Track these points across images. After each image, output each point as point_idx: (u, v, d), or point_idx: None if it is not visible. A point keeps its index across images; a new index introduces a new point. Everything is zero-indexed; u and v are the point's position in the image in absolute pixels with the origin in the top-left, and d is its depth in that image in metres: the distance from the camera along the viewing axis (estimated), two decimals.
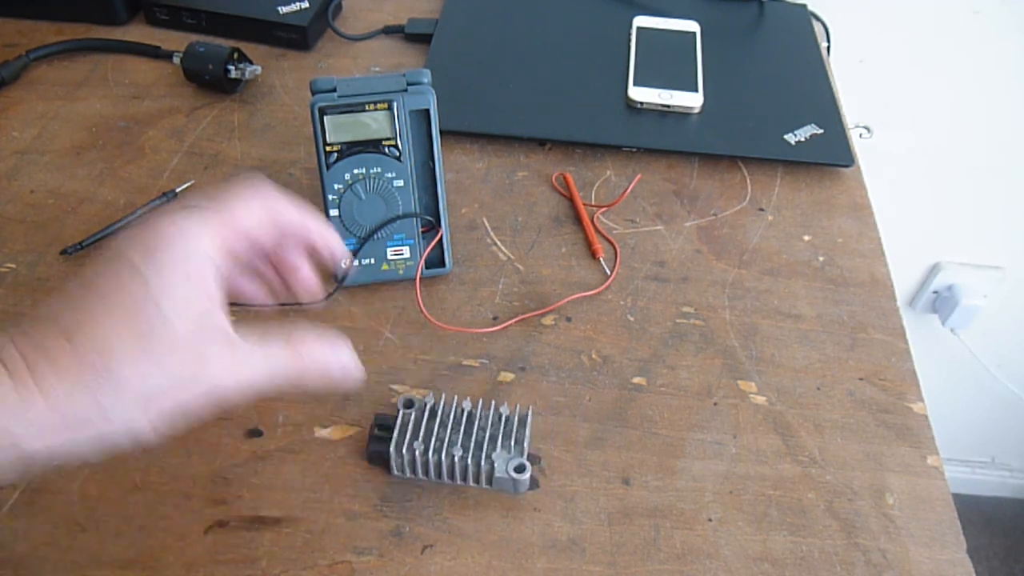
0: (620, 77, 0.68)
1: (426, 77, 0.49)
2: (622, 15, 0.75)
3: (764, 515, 0.43)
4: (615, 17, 0.75)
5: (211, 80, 0.66)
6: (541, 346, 0.50)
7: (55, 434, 0.29)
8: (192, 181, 0.59)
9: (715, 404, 0.48)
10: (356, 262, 0.51)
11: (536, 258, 0.56)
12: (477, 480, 0.43)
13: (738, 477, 0.45)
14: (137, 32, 0.73)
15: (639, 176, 0.61)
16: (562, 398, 0.48)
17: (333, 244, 0.40)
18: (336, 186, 0.50)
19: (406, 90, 0.48)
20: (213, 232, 0.33)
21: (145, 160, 0.61)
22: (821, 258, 0.57)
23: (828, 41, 0.82)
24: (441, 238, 0.52)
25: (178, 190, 0.58)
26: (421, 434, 0.43)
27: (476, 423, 0.43)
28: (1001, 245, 1.12)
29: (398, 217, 0.51)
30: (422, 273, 0.52)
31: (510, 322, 0.51)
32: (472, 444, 0.43)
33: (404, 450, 0.42)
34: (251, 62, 0.67)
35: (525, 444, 0.43)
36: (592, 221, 0.58)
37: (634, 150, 0.64)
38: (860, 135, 0.99)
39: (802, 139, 0.64)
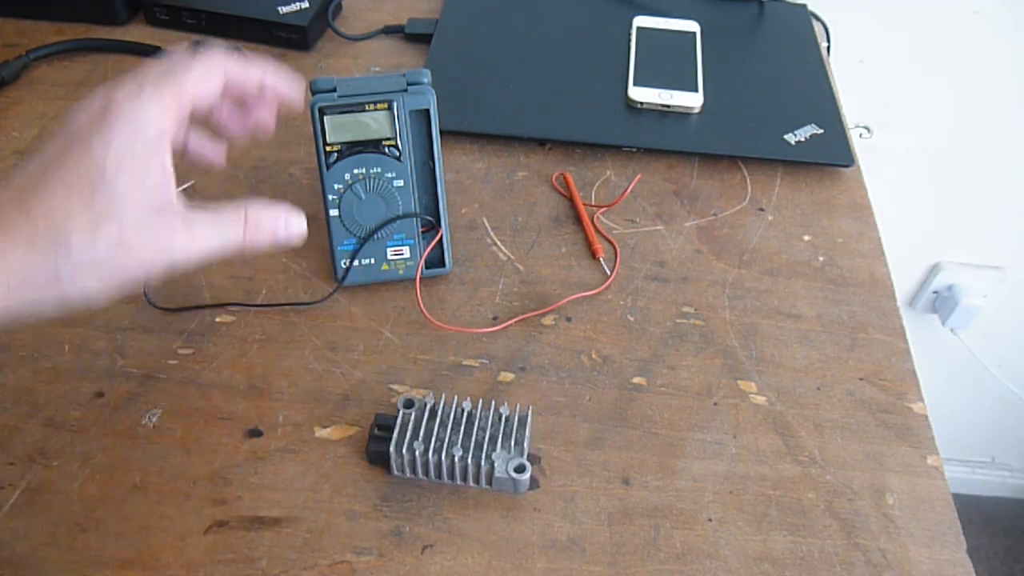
0: (620, 77, 0.68)
1: (426, 77, 0.49)
2: (622, 15, 0.75)
3: (764, 515, 0.43)
4: (615, 17, 0.75)
5: None
6: (541, 346, 0.50)
7: (12, 293, 0.32)
8: (192, 182, 0.59)
9: (715, 404, 0.48)
10: (356, 262, 0.51)
11: (536, 258, 0.56)
12: (477, 480, 0.43)
13: (738, 477, 0.45)
14: (137, 32, 0.73)
15: (639, 176, 0.61)
16: (562, 398, 0.48)
17: (284, 82, 0.41)
18: (336, 186, 0.50)
19: (406, 90, 0.48)
20: (166, 104, 0.35)
21: None
22: (821, 258, 0.57)
23: (828, 41, 0.82)
24: (441, 238, 0.52)
25: (178, 190, 0.57)
26: (421, 434, 0.43)
27: (476, 423, 0.43)
28: (1001, 245, 1.12)
29: (398, 217, 0.51)
30: (422, 273, 0.52)
31: (510, 322, 0.51)
32: (472, 444, 0.43)
33: (404, 450, 0.42)
34: None
35: (525, 444, 0.43)
36: (592, 221, 0.58)
37: (634, 150, 0.64)
38: (860, 135, 0.99)
39: (802, 139, 0.64)
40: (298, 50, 0.72)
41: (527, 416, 0.44)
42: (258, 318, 0.51)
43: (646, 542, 0.42)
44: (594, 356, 0.50)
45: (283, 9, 0.72)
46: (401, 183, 0.50)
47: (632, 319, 0.52)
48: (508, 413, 0.44)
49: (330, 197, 0.50)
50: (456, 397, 0.45)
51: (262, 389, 0.48)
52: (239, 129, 0.43)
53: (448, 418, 0.44)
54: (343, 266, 0.51)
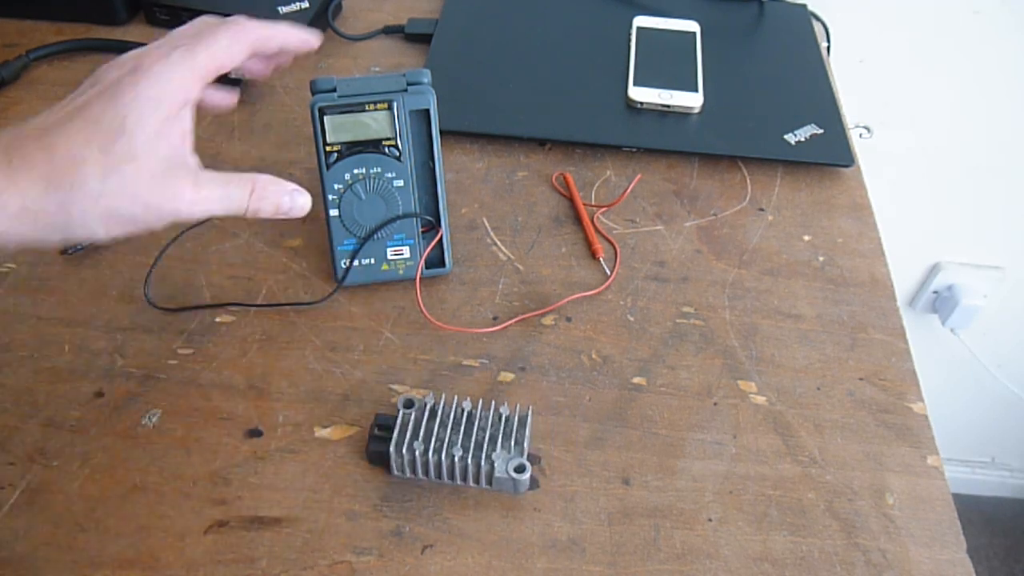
0: (620, 77, 0.68)
1: (426, 77, 0.49)
2: (622, 15, 0.75)
3: (764, 515, 0.43)
4: (615, 17, 0.75)
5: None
6: (541, 346, 0.50)
7: (24, 224, 0.33)
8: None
9: (715, 404, 0.48)
10: (356, 262, 0.51)
11: (536, 258, 0.56)
12: (477, 480, 0.43)
13: (738, 477, 0.45)
14: (137, 32, 0.73)
15: (639, 176, 0.61)
16: (562, 398, 0.48)
17: (303, 41, 0.44)
18: (336, 186, 0.50)
19: (406, 90, 0.48)
20: (193, 69, 0.37)
21: None
22: (821, 258, 0.57)
23: (828, 41, 0.82)
24: (441, 238, 0.52)
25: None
26: (421, 434, 0.43)
27: (476, 423, 0.43)
28: (1001, 245, 1.12)
29: (398, 217, 0.51)
30: (422, 273, 0.52)
31: (510, 322, 0.51)
32: (472, 444, 0.43)
33: (404, 450, 0.42)
34: None
35: (525, 444, 0.43)
36: (592, 221, 0.58)
37: (634, 150, 0.64)
38: (860, 135, 0.99)
39: (802, 139, 0.64)
40: None
41: (527, 416, 0.44)
42: (258, 318, 0.51)
43: (646, 542, 0.42)
44: (594, 356, 0.50)
45: (283, 9, 0.72)
46: (401, 183, 0.50)
47: (632, 319, 0.52)
48: (508, 413, 0.44)
49: (330, 197, 0.50)
50: (456, 397, 0.45)
51: (262, 389, 0.48)
52: (259, 72, 0.46)
53: (448, 418, 0.44)
54: (343, 266, 0.51)
